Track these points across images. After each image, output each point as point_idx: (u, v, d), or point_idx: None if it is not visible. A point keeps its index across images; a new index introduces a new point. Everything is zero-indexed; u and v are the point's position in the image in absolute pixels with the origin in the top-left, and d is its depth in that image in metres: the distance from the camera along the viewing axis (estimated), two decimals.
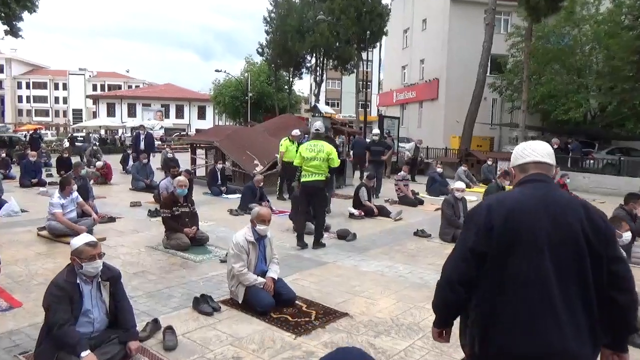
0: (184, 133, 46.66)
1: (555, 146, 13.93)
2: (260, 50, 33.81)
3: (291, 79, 35.73)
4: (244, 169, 12.51)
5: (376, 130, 12.56)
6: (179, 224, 6.64)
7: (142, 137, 16.10)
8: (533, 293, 1.84)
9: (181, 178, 6.74)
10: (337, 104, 60.55)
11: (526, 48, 18.33)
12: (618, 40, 20.39)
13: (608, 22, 21.59)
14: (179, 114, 59.36)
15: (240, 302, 4.40)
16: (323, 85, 38.01)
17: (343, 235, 7.52)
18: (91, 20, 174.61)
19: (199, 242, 6.71)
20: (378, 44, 28.04)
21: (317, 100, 31.57)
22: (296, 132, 11.13)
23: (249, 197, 9.88)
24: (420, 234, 7.89)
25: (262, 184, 10.15)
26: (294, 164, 7.50)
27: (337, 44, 28.31)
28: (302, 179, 7.08)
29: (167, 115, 57.57)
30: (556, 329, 1.81)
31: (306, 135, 11.45)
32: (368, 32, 25.31)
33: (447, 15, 29.01)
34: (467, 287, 1.97)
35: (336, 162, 7.15)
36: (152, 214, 8.92)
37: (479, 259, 1.93)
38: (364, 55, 28.31)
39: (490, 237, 1.91)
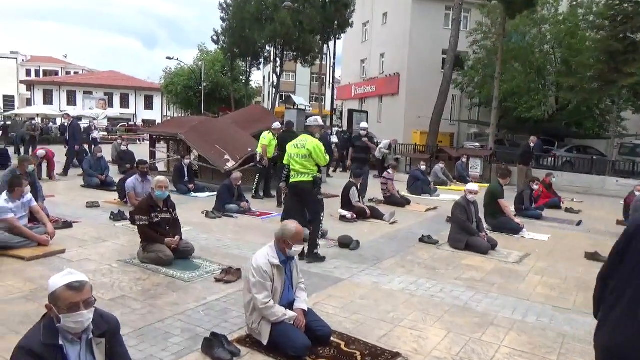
0: (132, 123, 44.00)
1: (532, 144, 13.71)
2: (215, 38, 32.13)
3: (248, 69, 34.30)
4: (213, 164, 11.34)
5: (364, 124, 11.42)
6: (158, 234, 5.51)
7: (67, 125, 14.34)
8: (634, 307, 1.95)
9: (161, 178, 5.59)
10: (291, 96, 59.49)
11: (500, 45, 18.11)
12: (581, 39, 20.79)
13: (568, 22, 21.94)
14: (124, 103, 56.03)
15: (265, 343, 3.43)
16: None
17: (345, 242, 6.65)
18: (21, 0, 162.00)
19: (182, 255, 5.61)
20: (343, 35, 27.15)
21: (277, 92, 30.39)
22: (277, 124, 10.13)
23: (226, 196, 8.82)
24: (427, 240, 7.15)
25: (240, 182, 9.09)
26: (284, 162, 6.54)
27: (298, 34, 27.21)
28: (290, 180, 6.22)
29: (110, 105, 54.13)
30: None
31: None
32: (336, 22, 24.37)
33: (408, 10, 28.66)
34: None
35: (322, 160, 6.12)
36: (116, 217, 7.66)
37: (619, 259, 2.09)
38: (328, 46, 27.42)
39: (624, 238, 2.10)
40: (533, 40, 23.50)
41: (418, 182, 12.27)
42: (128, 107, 55.66)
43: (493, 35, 24.99)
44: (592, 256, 6.63)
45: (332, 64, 23.28)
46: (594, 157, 17.16)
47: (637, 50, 14.62)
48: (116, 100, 55.60)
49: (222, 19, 31.26)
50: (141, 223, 5.46)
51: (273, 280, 3.50)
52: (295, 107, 13.30)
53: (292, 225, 3.66)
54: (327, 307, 4.36)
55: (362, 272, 5.55)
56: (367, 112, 21.76)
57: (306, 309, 3.65)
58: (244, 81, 35.74)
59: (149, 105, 57.07)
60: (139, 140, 31.54)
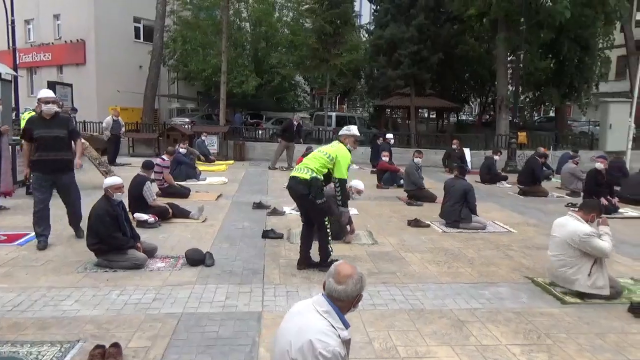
0: None
1: (296, 122, 14.17)
2: None
3: None
4: None
5: (46, 93, 6.89)
6: None
7: None
8: None
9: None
10: None
11: (225, 18, 17.41)
12: (277, 20, 22.37)
13: (264, 3, 23.24)
14: None
15: None
16: None
17: (197, 258, 5.03)
18: None
19: None
20: None
21: None
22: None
23: None
24: (272, 235, 6.20)
25: None
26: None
27: None
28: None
29: None
30: None
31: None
32: None
33: None
34: None
35: (342, 173, 4.96)
36: None
37: None
38: None
39: None
40: (235, 17, 23.89)
41: (182, 166, 10.73)
42: None
43: (193, 8, 24.27)
44: (416, 223, 7.13)
45: (10, 21, 17.55)
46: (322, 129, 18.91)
47: (342, 34, 16.69)
48: None
49: None
50: None
51: None
52: None
53: (346, 267, 2.29)
54: None
55: (269, 295, 4.26)
56: (71, 85, 17.63)
57: None
58: None
59: None
60: None
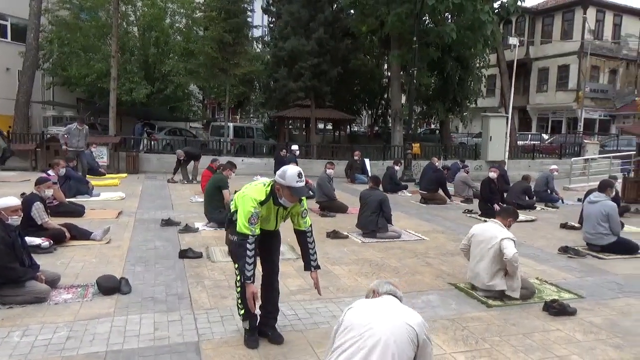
0: None
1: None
2: None
3: None
4: None
5: None
6: None
7: None
8: None
9: None
10: None
11: (115, 21, 16.06)
12: (169, 26, 21.38)
13: (156, 7, 22.03)
14: None
15: None
16: None
17: (111, 286, 4.48)
18: None
19: None
20: None
21: None
22: None
23: None
24: (191, 254, 5.79)
25: None
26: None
27: None
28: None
29: None
30: None
31: None
32: None
33: None
34: None
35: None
36: None
37: None
38: None
39: None
40: (123, 20, 22.28)
41: (70, 181, 9.64)
42: None
43: (73, 7, 22.23)
44: (335, 235, 7.15)
45: None
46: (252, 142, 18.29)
47: (242, 43, 16.39)
48: None
49: None
50: None
51: None
52: None
53: None
54: None
55: (203, 322, 3.91)
56: None
57: None
58: None
59: None
60: None
